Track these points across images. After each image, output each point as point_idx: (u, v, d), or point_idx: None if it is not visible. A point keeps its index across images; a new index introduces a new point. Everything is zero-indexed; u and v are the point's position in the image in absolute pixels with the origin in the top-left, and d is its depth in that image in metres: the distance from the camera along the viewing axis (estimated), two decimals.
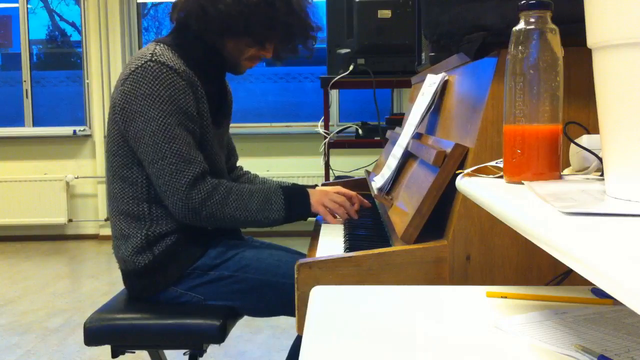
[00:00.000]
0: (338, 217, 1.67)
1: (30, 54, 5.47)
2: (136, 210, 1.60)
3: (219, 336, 1.55)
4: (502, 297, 0.92)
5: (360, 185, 2.22)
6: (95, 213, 5.43)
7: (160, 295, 1.62)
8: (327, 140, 2.99)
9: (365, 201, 1.75)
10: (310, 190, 1.67)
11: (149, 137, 1.52)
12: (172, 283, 1.60)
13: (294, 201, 1.62)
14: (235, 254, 1.62)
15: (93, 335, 1.57)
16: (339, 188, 1.73)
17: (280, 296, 1.59)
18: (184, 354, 1.68)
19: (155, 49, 1.58)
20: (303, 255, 1.70)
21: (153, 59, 1.54)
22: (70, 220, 5.37)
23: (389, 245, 1.30)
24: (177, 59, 1.57)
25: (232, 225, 1.61)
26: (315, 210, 1.65)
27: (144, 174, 1.59)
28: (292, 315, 1.59)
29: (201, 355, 1.67)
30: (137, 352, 2.00)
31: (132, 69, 1.55)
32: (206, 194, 1.54)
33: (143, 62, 1.55)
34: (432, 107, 1.46)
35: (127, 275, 1.64)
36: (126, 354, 1.65)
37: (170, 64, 1.55)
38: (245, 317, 1.76)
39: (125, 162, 1.59)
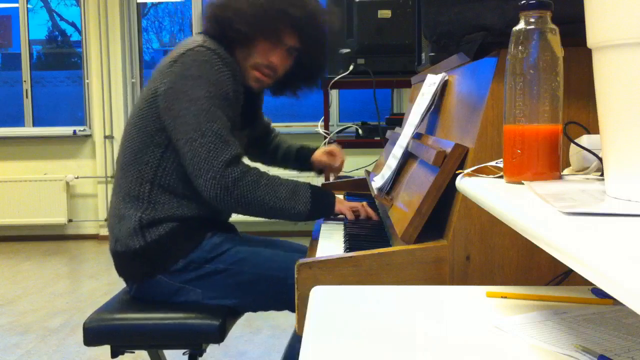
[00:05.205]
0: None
1: (30, 54, 5.47)
2: (137, 190, 1.62)
3: (219, 336, 1.55)
4: (502, 297, 0.92)
5: (360, 185, 2.22)
6: (95, 213, 5.43)
7: (156, 289, 1.62)
8: (327, 140, 2.98)
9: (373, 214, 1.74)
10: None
11: (191, 115, 1.55)
12: (161, 272, 1.61)
13: (320, 198, 1.64)
14: (230, 247, 1.63)
15: (93, 335, 1.57)
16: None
17: (276, 290, 1.59)
18: (184, 353, 1.68)
19: (205, 39, 1.64)
20: (298, 249, 1.70)
21: (205, 44, 1.61)
22: (70, 220, 5.37)
23: (389, 245, 1.30)
24: (225, 52, 1.64)
25: (260, 211, 1.60)
26: (339, 209, 1.67)
27: (158, 156, 1.62)
28: (289, 309, 1.59)
29: (201, 355, 1.67)
30: (137, 352, 2.01)
31: (182, 52, 1.61)
32: (239, 174, 1.55)
33: (194, 46, 1.61)
34: (432, 107, 1.46)
35: (117, 256, 1.66)
36: (126, 354, 1.65)
37: (220, 52, 1.61)
38: (245, 317, 1.77)
39: (144, 142, 1.63)
